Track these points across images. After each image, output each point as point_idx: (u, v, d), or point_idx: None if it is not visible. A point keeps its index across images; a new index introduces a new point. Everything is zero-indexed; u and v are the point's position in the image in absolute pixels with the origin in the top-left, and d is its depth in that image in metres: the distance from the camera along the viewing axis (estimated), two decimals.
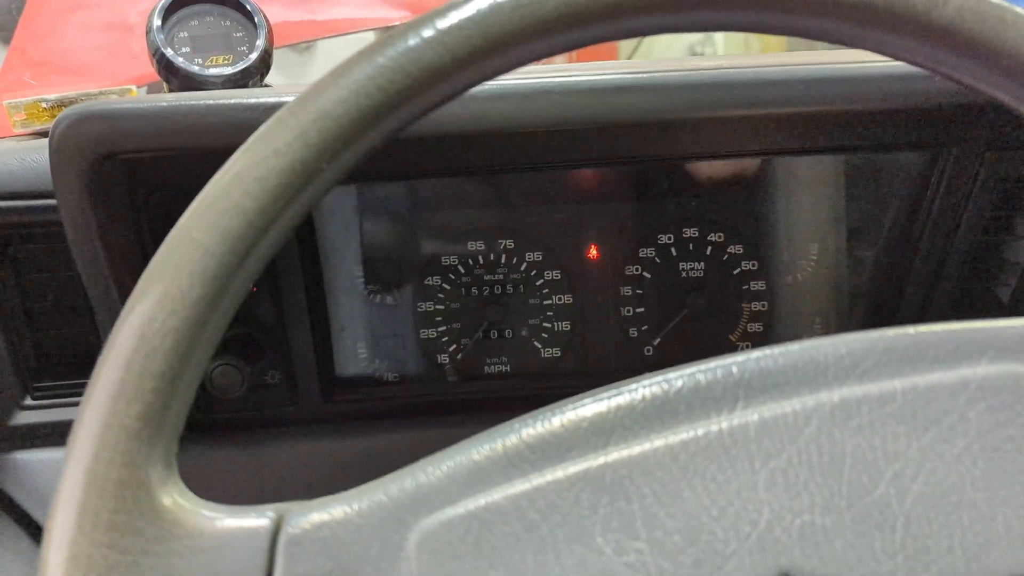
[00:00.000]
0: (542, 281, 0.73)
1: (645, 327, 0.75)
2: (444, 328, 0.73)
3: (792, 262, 0.74)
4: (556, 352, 0.75)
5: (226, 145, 0.51)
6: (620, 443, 0.31)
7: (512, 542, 0.30)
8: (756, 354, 0.33)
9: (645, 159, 0.66)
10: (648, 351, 0.75)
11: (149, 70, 0.82)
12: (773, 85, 0.57)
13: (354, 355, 0.73)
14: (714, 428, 0.31)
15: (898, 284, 0.72)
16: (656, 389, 0.33)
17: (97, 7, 0.90)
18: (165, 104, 0.51)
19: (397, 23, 0.93)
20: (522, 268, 0.73)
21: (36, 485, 0.69)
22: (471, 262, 0.72)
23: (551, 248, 0.73)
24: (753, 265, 0.74)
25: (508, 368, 0.75)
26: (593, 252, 0.73)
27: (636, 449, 0.31)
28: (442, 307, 0.73)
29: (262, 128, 0.33)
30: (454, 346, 0.74)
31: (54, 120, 0.51)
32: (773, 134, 0.62)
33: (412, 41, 0.32)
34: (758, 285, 0.74)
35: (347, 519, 0.31)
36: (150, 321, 0.30)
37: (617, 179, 0.72)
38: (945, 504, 0.30)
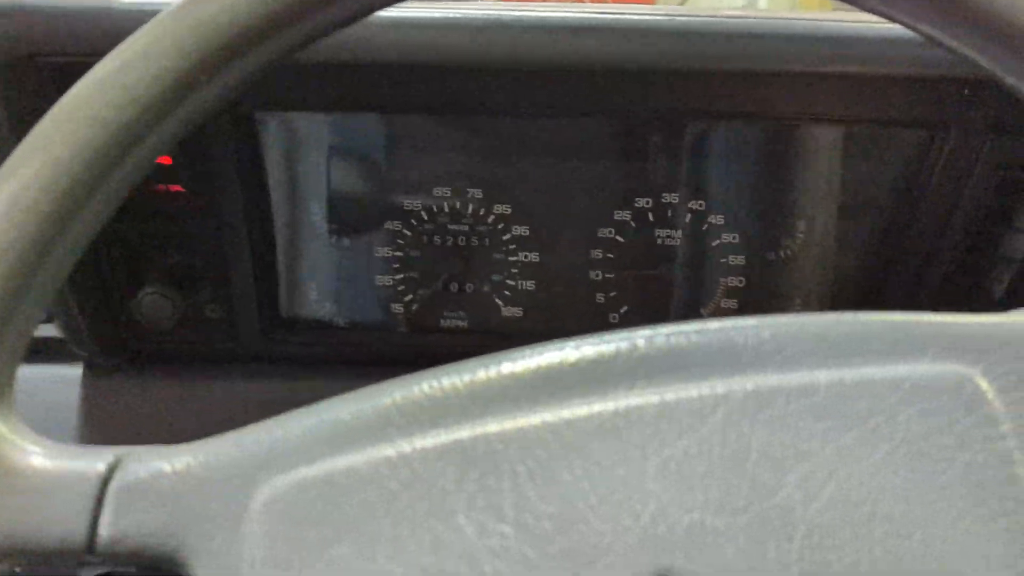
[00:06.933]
0: (509, 236, 0.69)
1: (613, 293, 0.71)
2: (401, 276, 0.70)
3: (776, 239, 0.70)
4: (518, 312, 0.71)
5: None
6: (500, 414, 0.28)
7: (367, 512, 0.27)
8: (667, 329, 0.29)
9: (630, 110, 0.62)
10: (614, 318, 0.71)
11: None
12: (770, 39, 0.53)
13: (301, 295, 0.70)
14: (609, 406, 0.28)
15: (885, 271, 0.67)
16: (552, 358, 0.29)
17: None
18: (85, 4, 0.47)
19: None
20: (489, 220, 0.69)
21: None
22: (435, 209, 0.68)
23: (521, 202, 0.68)
24: (734, 238, 0.69)
25: (466, 324, 0.71)
26: (566, 210, 0.69)
27: (517, 422, 0.28)
28: (400, 254, 0.69)
29: (134, 35, 0.29)
30: (410, 296, 0.70)
31: None
32: (770, 96, 0.59)
33: None
34: (737, 260, 0.70)
35: (190, 470, 0.28)
36: None
37: (596, 135, 0.67)
38: (856, 514, 0.27)
